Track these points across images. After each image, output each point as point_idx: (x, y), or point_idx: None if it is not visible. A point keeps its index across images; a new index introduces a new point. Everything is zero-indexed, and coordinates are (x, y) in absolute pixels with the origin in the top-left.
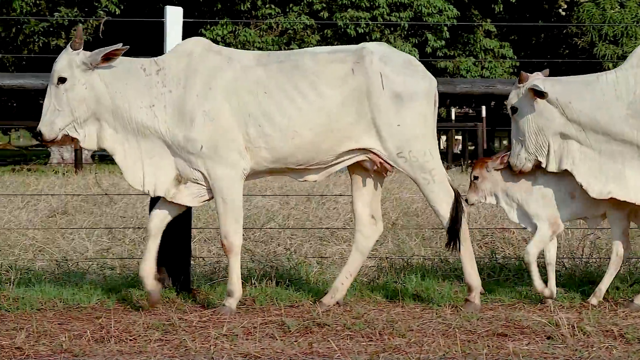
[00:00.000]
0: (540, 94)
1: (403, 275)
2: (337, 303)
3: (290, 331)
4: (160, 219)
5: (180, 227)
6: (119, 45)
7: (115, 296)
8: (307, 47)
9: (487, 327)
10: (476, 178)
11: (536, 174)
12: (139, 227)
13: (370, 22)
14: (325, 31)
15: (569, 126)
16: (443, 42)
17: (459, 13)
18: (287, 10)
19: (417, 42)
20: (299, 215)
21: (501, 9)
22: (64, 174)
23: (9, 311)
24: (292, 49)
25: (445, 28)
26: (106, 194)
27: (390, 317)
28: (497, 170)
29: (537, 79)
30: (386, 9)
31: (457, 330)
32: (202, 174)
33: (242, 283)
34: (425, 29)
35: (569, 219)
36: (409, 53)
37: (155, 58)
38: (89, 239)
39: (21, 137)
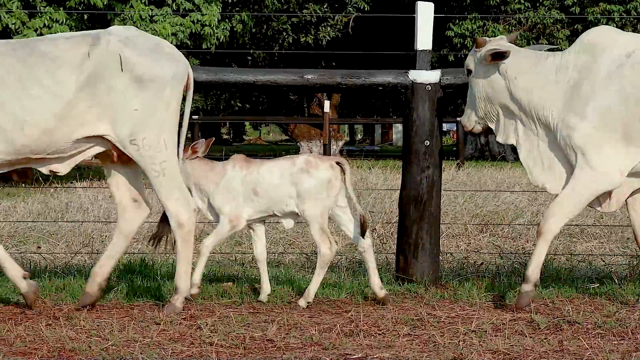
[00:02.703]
0: (499, 56)
1: None
2: (101, 288)
3: (539, 328)
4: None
5: (430, 223)
6: None
7: (364, 290)
8: (556, 42)
9: None
10: None
11: (226, 169)
12: (387, 222)
13: (624, 16)
14: (576, 26)
15: (511, 103)
16: None
17: None
18: (537, 4)
19: None
20: None
21: None
22: None
23: (261, 304)
24: (541, 43)
25: None
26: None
27: None
28: (191, 160)
29: (498, 44)
30: None
31: None
32: None
33: (491, 280)
34: None
35: (254, 215)
36: None
37: None
38: (337, 233)
39: (271, 132)
